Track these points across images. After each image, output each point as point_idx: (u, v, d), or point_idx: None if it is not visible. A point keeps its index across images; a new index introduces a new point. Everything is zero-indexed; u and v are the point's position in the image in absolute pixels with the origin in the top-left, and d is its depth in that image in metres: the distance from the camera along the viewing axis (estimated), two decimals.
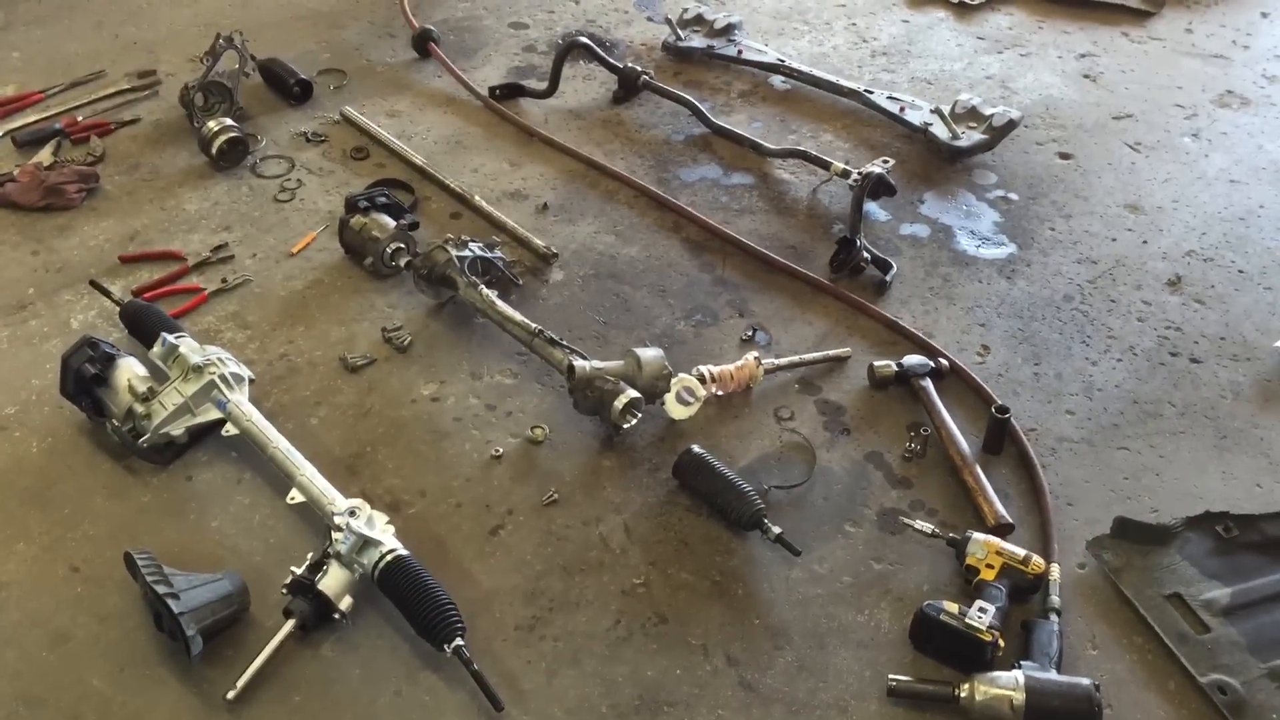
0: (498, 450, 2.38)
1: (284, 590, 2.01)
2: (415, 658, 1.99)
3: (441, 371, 2.56)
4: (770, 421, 2.47)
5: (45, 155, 3.14)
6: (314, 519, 2.18)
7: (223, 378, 2.33)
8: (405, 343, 2.62)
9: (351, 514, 2.06)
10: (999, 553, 2.10)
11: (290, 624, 1.97)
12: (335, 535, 2.02)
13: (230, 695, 1.89)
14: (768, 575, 2.15)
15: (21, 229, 2.92)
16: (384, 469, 2.34)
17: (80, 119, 3.28)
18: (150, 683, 1.95)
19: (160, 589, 1.89)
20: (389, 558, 2.01)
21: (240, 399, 2.33)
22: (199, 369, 2.32)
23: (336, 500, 2.11)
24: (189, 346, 2.36)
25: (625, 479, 2.33)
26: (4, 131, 3.25)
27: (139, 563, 1.96)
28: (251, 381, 2.42)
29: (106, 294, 2.60)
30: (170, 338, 2.36)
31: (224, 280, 2.77)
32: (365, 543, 2.02)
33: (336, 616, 2.00)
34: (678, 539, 2.22)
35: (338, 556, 2.01)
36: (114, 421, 2.29)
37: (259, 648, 1.96)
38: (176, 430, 2.30)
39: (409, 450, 2.38)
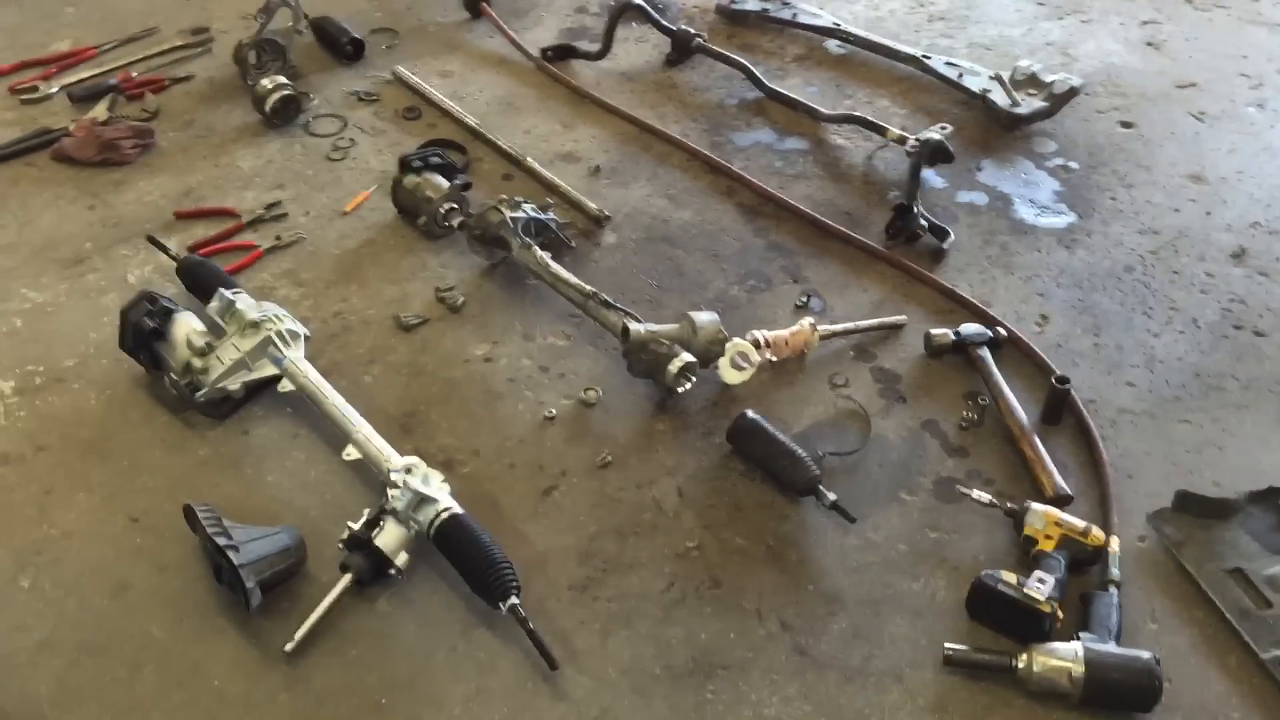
0: (551, 412, 2.37)
1: (340, 545, 2.02)
2: (470, 614, 2.00)
3: (494, 332, 2.56)
4: (825, 388, 2.45)
5: (100, 111, 3.15)
6: (369, 475, 2.19)
7: (279, 334, 2.34)
8: (459, 303, 2.61)
9: (408, 471, 2.06)
10: (1058, 524, 2.07)
11: (347, 579, 1.98)
12: (391, 492, 2.02)
13: (288, 647, 1.90)
14: (822, 542, 2.14)
15: (78, 184, 2.94)
16: (437, 428, 2.34)
17: (135, 75, 3.29)
18: (209, 632, 1.97)
19: (220, 541, 1.90)
20: (445, 515, 2.01)
21: (296, 355, 2.34)
22: (255, 325, 2.33)
23: (392, 457, 2.12)
24: (245, 302, 2.37)
25: (678, 443, 2.32)
26: (60, 86, 3.26)
27: (199, 515, 1.97)
28: (307, 339, 2.42)
29: (164, 249, 2.61)
30: (227, 293, 2.37)
31: (278, 238, 2.78)
32: (421, 500, 2.03)
33: (392, 572, 2.00)
34: (731, 503, 2.20)
35: (394, 513, 2.01)
36: (172, 375, 2.30)
37: (316, 601, 1.97)
38: (233, 385, 2.31)
39: (462, 410, 2.38)
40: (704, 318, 2.40)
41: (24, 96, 3.23)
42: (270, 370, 2.33)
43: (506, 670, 1.92)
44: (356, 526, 2.01)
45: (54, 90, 3.25)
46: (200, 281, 2.52)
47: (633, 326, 2.35)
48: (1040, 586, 1.96)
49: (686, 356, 2.32)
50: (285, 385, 2.31)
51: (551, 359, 2.50)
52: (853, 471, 2.27)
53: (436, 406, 2.39)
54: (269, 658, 1.93)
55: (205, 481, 2.22)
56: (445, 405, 2.39)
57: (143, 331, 2.31)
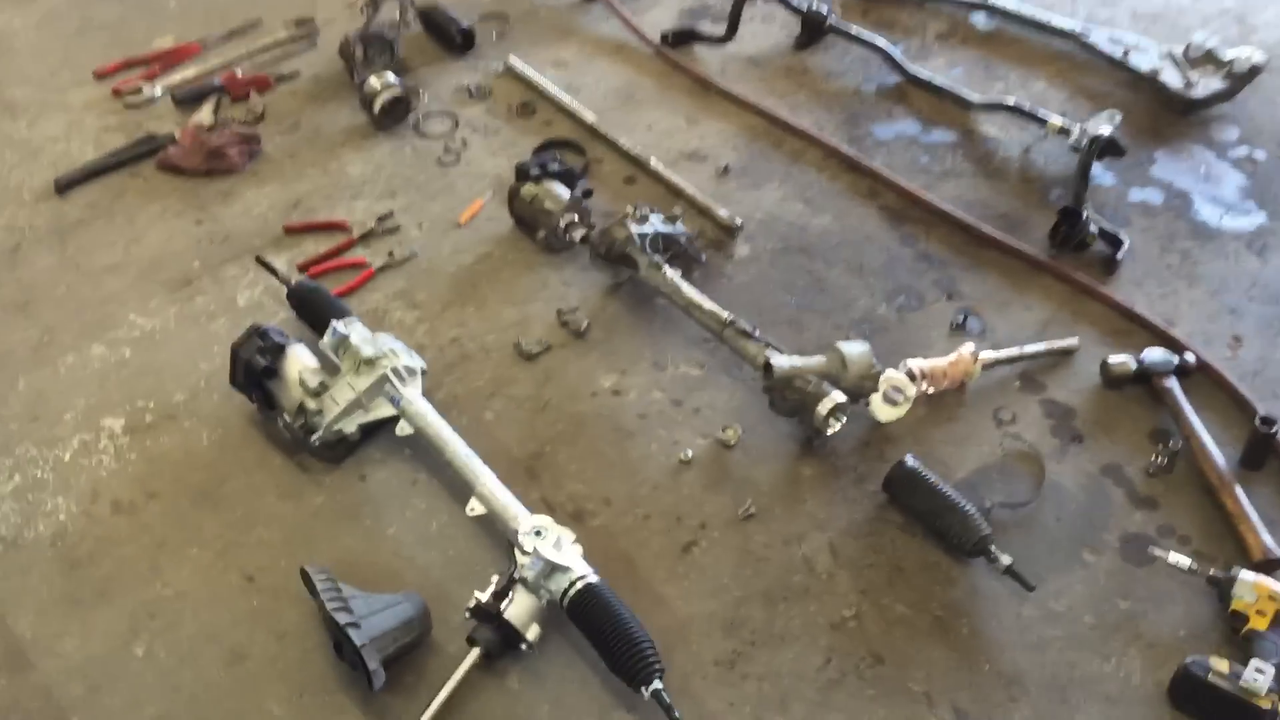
0: (687, 454, 2.18)
1: (467, 614, 1.87)
2: (607, 693, 1.83)
3: (622, 360, 2.37)
4: (989, 425, 2.21)
5: (206, 115, 3.02)
6: (494, 528, 2.02)
7: (395, 371, 2.18)
8: (583, 327, 2.43)
9: (537, 534, 1.89)
10: (1272, 597, 1.82)
11: (475, 654, 1.83)
12: (521, 560, 1.86)
13: None
14: (996, 611, 1.92)
15: (184, 195, 2.82)
16: (565, 472, 2.16)
17: (239, 74, 3.14)
18: (330, 711, 1.84)
19: (342, 618, 1.76)
20: (580, 586, 1.84)
21: (414, 394, 2.18)
22: (371, 362, 2.17)
23: (520, 516, 1.95)
24: (360, 335, 2.21)
25: (828, 491, 2.11)
26: (163, 88, 3.14)
27: (317, 585, 1.83)
28: (424, 373, 2.26)
29: (274, 272, 2.47)
30: (340, 326, 2.22)
31: (390, 254, 2.62)
32: (553, 568, 1.85)
33: (523, 647, 1.84)
34: (890, 564, 1.99)
35: (523, 582, 1.85)
36: (285, 418, 2.17)
37: (441, 675, 1.82)
38: (349, 427, 2.17)
39: (591, 451, 2.20)
40: (854, 349, 2.17)
41: (128, 99, 3.11)
42: (387, 410, 2.18)
43: None
44: (484, 597, 1.85)
45: (158, 92, 3.13)
46: (312, 309, 2.38)
47: (775, 361, 2.14)
48: (1259, 677, 1.71)
49: (837, 396, 2.10)
50: (403, 429, 2.16)
51: (684, 391, 2.30)
52: (1026, 526, 2.04)
53: (563, 447, 2.21)
54: None
55: (322, 534, 2.08)
56: (573, 446, 2.21)
57: (254, 370, 2.17)
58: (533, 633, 1.84)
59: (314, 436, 2.15)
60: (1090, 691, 1.81)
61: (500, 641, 1.84)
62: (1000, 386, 2.28)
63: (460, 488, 2.08)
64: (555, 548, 1.88)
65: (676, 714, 1.72)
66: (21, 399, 2.34)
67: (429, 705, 1.78)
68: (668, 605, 1.94)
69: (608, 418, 2.26)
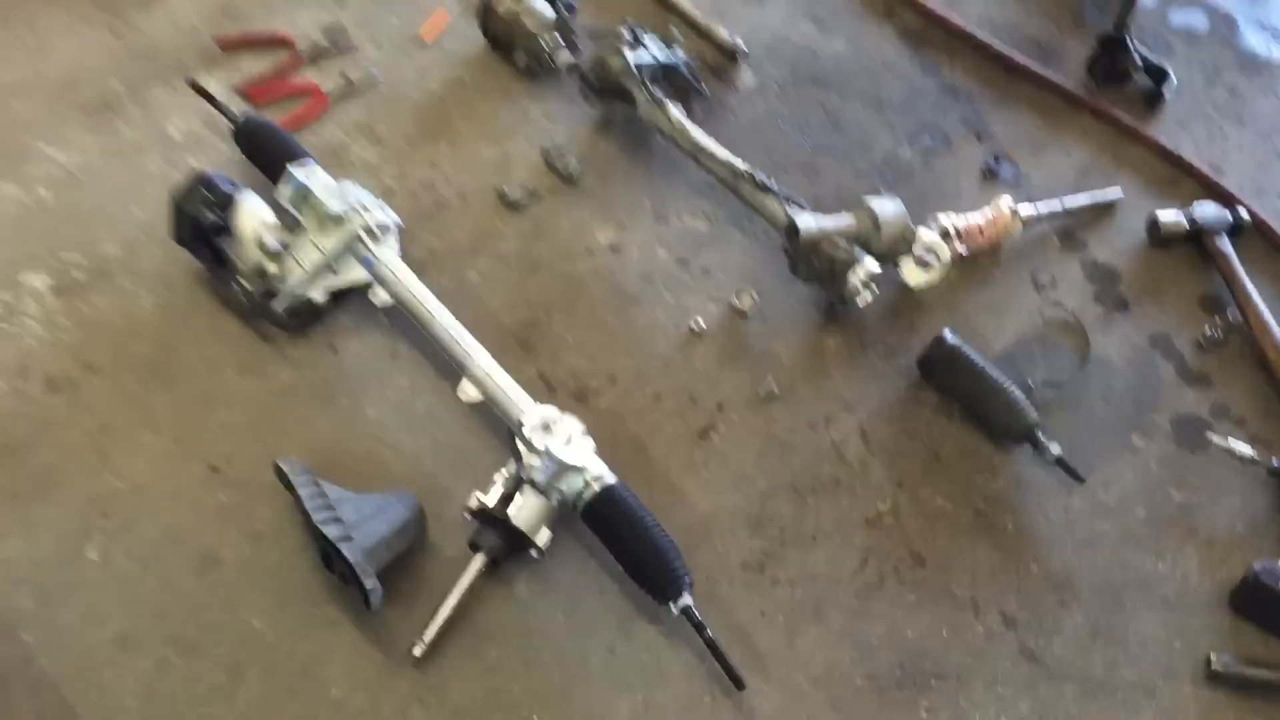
0: (698, 323, 1.96)
1: (466, 515, 1.67)
2: (628, 602, 1.67)
3: (619, 210, 2.11)
4: (1027, 290, 2.02)
5: None
6: (490, 412, 1.80)
7: (367, 229, 1.89)
8: (573, 171, 2.14)
9: (545, 429, 1.67)
10: None
11: (480, 561, 1.64)
12: (530, 461, 1.64)
13: (417, 651, 1.58)
14: (1042, 504, 1.78)
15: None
16: (562, 343, 1.94)
17: None
18: (319, 625, 1.64)
19: (332, 532, 1.55)
20: (597, 489, 1.64)
21: (390, 257, 1.90)
22: (338, 219, 1.88)
23: (523, 405, 1.72)
24: (323, 187, 1.91)
25: (855, 367, 1.92)
26: None
27: (299, 488, 1.61)
28: (400, 229, 1.98)
29: (214, 103, 2.12)
30: (299, 175, 1.91)
31: (345, 78, 2.27)
32: (565, 468, 1.65)
33: (533, 553, 1.66)
34: (927, 451, 1.83)
35: (532, 483, 1.65)
36: (243, 282, 1.89)
37: (440, 582, 1.64)
38: (316, 294, 1.90)
39: (591, 318, 1.96)
40: (888, 208, 1.93)
41: None
42: (359, 275, 1.91)
43: (678, 678, 1.61)
44: (489, 501, 1.64)
45: None
46: (262, 150, 2.05)
47: (801, 222, 1.90)
48: None
49: (871, 264, 1.88)
50: (379, 296, 1.90)
51: (691, 248, 2.06)
52: (1071, 406, 1.88)
53: (560, 314, 1.97)
54: (393, 660, 1.61)
55: (292, 416, 1.84)
56: (570, 313, 1.97)
57: (202, 226, 1.87)
58: (543, 537, 1.65)
59: (274, 302, 1.88)
60: (1145, 595, 1.69)
61: (506, 546, 1.65)
62: (1037, 244, 2.08)
63: (449, 364, 1.84)
64: (566, 444, 1.67)
65: (709, 632, 1.56)
66: None
67: (433, 617, 1.60)
68: (687, 500, 1.77)
69: (607, 279, 2.01)
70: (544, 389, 1.85)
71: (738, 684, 1.55)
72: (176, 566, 1.69)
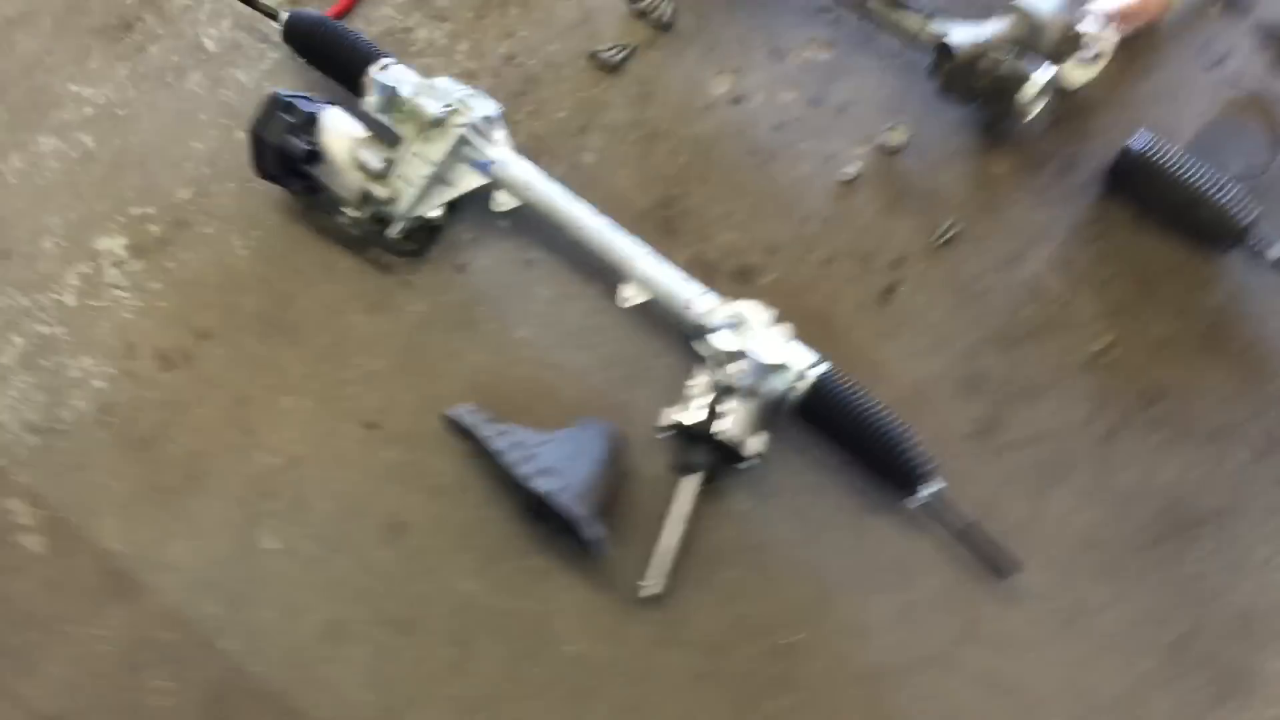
0: (848, 170, 1.77)
1: (661, 432, 1.53)
2: (852, 497, 1.55)
3: (728, 53, 1.87)
4: (1196, 71, 1.82)
5: None
6: (650, 311, 1.64)
7: (474, 128, 1.67)
8: (668, 14, 1.90)
9: (736, 327, 1.52)
10: None
11: (693, 483, 1.51)
12: (730, 369, 1.49)
13: (647, 592, 1.48)
14: (1266, 313, 1.64)
15: None
16: (707, 218, 1.75)
17: None
18: (531, 578, 1.53)
19: (543, 485, 1.41)
20: (811, 380, 1.50)
21: (506, 154, 1.69)
22: (440, 122, 1.65)
23: (707, 307, 1.56)
24: (413, 87, 1.67)
25: (1031, 191, 1.74)
26: None
27: (488, 441, 1.47)
28: (503, 118, 1.75)
29: (249, 2, 1.85)
30: (382, 77, 1.67)
31: None
32: (767, 369, 1.50)
33: (744, 466, 1.52)
34: (1133, 273, 1.68)
35: (732, 390, 1.50)
36: (348, 211, 1.68)
37: (647, 511, 1.52)
38: (431, 210, 1.69)
39: (730, 185, 1.77)
40: (1045, 5, 1.71)
41: None
42: (474, 180, 1.70)
43: (928, 572, 1.51)
44: (689, 419, 1.50)
45: None
46: (322, 48, 1.80)
47: (954, 40, 1.68)
48: None
49: (1042, 73, 1.68)
50: (503, 202, 1.69)
51: (819, 84, 1.84)
52: (1267, 196, 1.71)
53: (695, 186, 1.78)
54: (623, 603, 1.50)
55: (438, 351, 1.67)
56: (705, 182, 1.78)
57: (293, 156, 1.65)
58: (755, 445, 1.52)
59: (390, 229, 1.68)
60: None
61: (719, 461, 1.52)
62: (1196, 16, 1.86)
63: (586, 260, 1.66)
64: (762, 340, 1.51)
65: (968, 522, 1.45)
66: None
67: (655, 551, 1.48)
68: (887, 371, 1.62)
69: (736, 137, 1.81)
70: (700, 273, 1.67)
71: (1005, 569, 1.45)
72: (362, 539, 1.56)
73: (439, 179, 1.68)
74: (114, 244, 1.76)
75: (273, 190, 1.75)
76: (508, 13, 1.93)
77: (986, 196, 1.74)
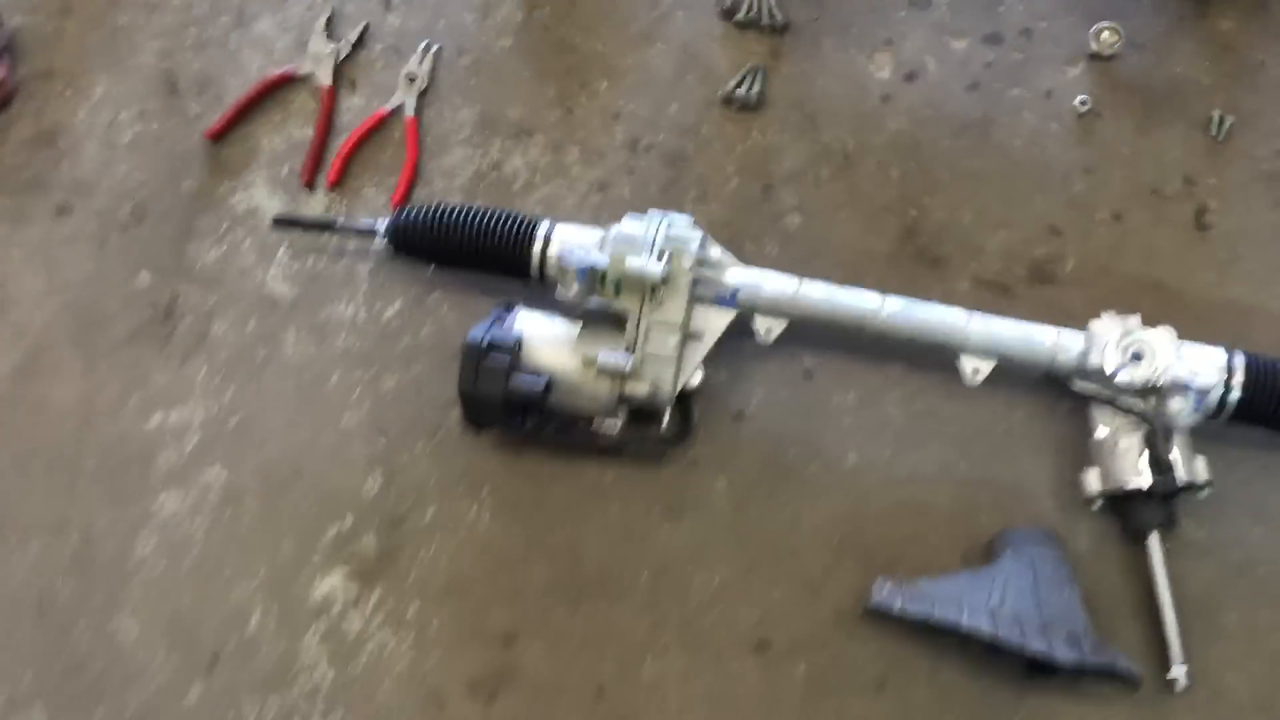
0: (1079, 100, 1.50)
1: (1091, 503, 1.31)
2: None
3: (868, 25, 1.60)
4: None
5: None
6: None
7: (699, 263, 1.35)
8: (775, 13, 1.57)
9: (1137, 357, 1.27)
10: None
11: (1157, 540, 1.29)
12: (1171, 404, 1.26)
13: (1181, 681, 1.27)
14: None
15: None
16: (964, 229, 1.49)
17: None
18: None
19: (1060, 654, 1.18)
20: (1240, 377, 1.28)
21: (743, 272, 1.38)
22: (668, 277, 1.33)
23: (1086, 344, 1.31)
24: (609, 247, 1.34)
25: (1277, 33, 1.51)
26: None
27: (936, 620, 1.22)
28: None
29: (325, 227, 1.47)
30: (570, 260, 1.33)
31: (409, 79, 1.59)
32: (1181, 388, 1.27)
33: (1201, 497, 1.31)
34: None
35: (1173, 431, 1.27)
36: (608, 423, 1.37)
37: (1104, 584, 1.31)
38: (693, 377, 1.38)
39: (957, 172, 1.51)
40: None
41: None
42: (724, 320, 1.39)
43: None
44: (1144, 484, 1.27)
45: None
46: (448, 245, 1.45)
47: None
48: None
49: None
50: (770, 328, 1.39)
51: (989, 19, 1.58)
52: None
53: (925, 196, 1.51)
54: (1155, 705, 1.29)
55: (773, 525, 1.39)
56: (933, 187, 1.51)
57: (530, 397, 1.31)
58: (1203, 470, 1.30)
59: (664, 423, 1.37)
60: None
61: (1170, 507, 1.30)
62: None
63: (860, 344, 1.38)
64: (1161, 359, 1.27)
65: None
66: (162, 626, 1.40)
67: (1166, 632, 1.27)
68: (1257, 315, 1.41)
69: (935, 119, 1.53)
70: (999, 296, 1.42)
71: None
72: None
73: (692, 335, 1.37)
74: (333, 583, 1.41)
75: (452, 438, 1.42)
76: (597, 91, 1.58)
77: (1235, 62, 1.50)
